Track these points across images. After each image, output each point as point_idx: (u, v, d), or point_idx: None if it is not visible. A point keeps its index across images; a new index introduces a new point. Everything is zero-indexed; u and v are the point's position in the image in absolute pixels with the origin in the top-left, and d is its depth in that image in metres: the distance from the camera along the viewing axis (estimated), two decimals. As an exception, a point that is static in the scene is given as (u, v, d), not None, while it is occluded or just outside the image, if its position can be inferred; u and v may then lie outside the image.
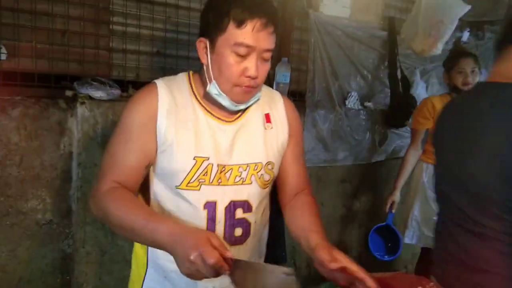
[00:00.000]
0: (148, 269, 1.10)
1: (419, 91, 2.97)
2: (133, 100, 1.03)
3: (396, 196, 2.51)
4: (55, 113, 1.78)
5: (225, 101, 1.01)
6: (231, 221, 1.06)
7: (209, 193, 1.03)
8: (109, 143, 1.03)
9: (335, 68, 2.62)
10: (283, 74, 2.26)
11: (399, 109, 2.82)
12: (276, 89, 1.80)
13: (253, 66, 0.96)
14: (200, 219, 1.03)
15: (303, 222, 1.07)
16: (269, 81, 2.23)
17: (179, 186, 1.02)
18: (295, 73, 2.47)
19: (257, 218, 1.11)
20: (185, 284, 1.03)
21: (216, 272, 0.80)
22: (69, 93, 1.81)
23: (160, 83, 1.03)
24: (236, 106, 1.02)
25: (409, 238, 2.56)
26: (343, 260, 0.90)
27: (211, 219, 1.04)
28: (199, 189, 1.02)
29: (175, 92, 1.03)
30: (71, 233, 1.88)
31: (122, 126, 1.02)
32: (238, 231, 1.07)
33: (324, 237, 1.00)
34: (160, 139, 1.00)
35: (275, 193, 1.19)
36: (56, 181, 1.81)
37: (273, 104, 1.14)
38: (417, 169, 2.54)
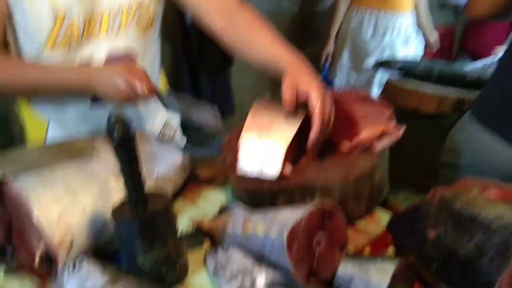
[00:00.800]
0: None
1: None
2: None
3: (331, 46, 2.59)
4: None
5: None
6: None
7: (80, 52, 0.94)
8: None
9: None
10: None
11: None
12: None
13: None
14: None
15: (254, 45, 0.91)
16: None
17: (43, 50, 0.90)
18: None
19: (151, 65, 1.05)
20: None
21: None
22: None
23: None
24: None
25: (338, 83, 2.64)
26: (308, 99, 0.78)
27: None
28: (67, 50, 0.92)
29: None
30: None
31: None
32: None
33: (287, 61, 0.85)
34: None
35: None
36: None
37: None
38: (347, 15, 2.56)
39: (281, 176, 0.77)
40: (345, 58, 2.66)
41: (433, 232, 0.65)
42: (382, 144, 0.86)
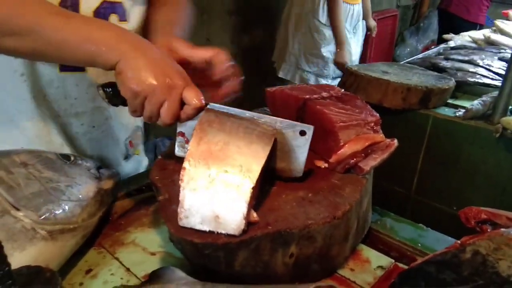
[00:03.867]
0: None
1: None
2: None
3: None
4: None
5: None
6: None
7: None
8: None
9: None
10: None
11: None
12: None
13: None
14: None
15: (154, 18, 0.83)
16: None
17: None
18: None
19: (138, 29, 0.84)
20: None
21: (173, 119, 0.59)
22: None
23: None
24: None
25: (284, 73, 2.49)
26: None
27: None
28: None
29: None
30: None
31: None
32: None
33: (166, 33, 0.77)
34: None
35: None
36: None
37: None
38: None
39: (246, 228, 0.52)
40: (295, 45, 2.46)
41: (470, 307, 0.44)
42: (373, 163, 0.65)
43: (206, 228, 0.51)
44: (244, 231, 0.51)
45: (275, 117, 0.61)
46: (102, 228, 0.71)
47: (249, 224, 0.52)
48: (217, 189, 0.51)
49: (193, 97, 0.58)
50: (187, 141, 0.64)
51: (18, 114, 0.78)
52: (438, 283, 0.48)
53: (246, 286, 0.44)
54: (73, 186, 0.63)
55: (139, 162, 1.00)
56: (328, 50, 2.41)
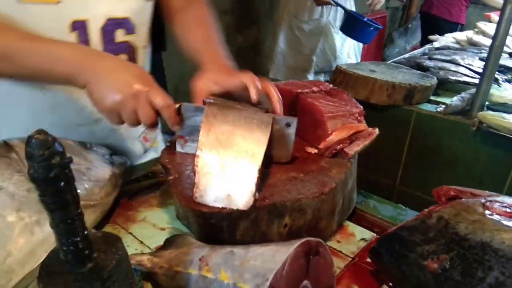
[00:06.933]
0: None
1: None
2: None
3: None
4: None
5: None
6: (111, 46, 0.81)
7: (74, 8, 0.74)
8: None
9: None
10: None
11: None
12: None
13: None
14: None
15: (191, 38, 0.89)
16: None
17: None
18: None
19: (143, 40, 0.88)
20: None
21: (152, 121, 0.63)
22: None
23: None
24: None
25: (273, 73, 2.55)
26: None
27: (84, 44, 0.77)
28: (57, 2, 0.71)
29: None
30: None
31: None
32: (122, 58, 0.84)
33: (209, 56, 0.81)
34: None
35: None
36: None
37: None
38: None
39: (254, 204, 0.60)
40: (281, 44, 2.54)
41: (434, 263, 0.53)
42: (357, 149, 0.74)
43: (219, 205, 0.59)
44: (250, 207, 0.59)
45: (262, 113, 0.70)
46: (115, 209, 0.79)
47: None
48: (227, 172, 0.60)
49: (158, 100, 0.62)
50: (186, 141, 0.72)
51: (38, 125, 0.84)
52: (409, 244, 0.57)
53: (246, 246, 0.53)
54: (92, 169, 0.71)
55: (159, 152, 1.07)
56: (309, 48, 2.48)
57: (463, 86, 1.61)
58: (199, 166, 0.60)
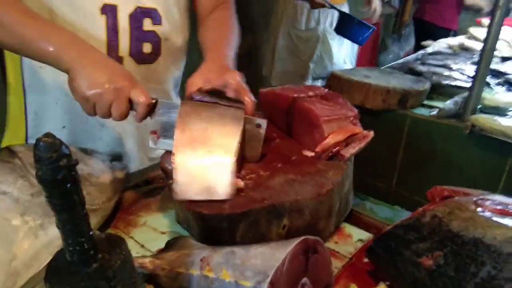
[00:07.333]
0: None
1: None
2: None
3: None
4: None
5: None
6: (138, 33, 0.86)
7: None
8: None
9: None
10: None
11: None
12: None
13: None
14: (97, 28, 0.82)
15: (205, 37, 0.92)
16: None
17: None
18: None
19: (169, 34, 0.93)
20: None
21: (123, 117, 0.68)
22: None
23: None
24: None
25: (270, 79, 2.52)
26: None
27: (112, 29, 0.83)
28: None
29: None
30: None
31: None
32: (147, 47, 0.89)
33: (212, 55, 0.84)
34: None
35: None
36: None
37: None
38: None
39: (237, 191, 0.63)
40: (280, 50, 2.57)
41: (428, 260, 0.55)
42: (353, 151, 0.75)
43: (200, 197, 0.62)
44: (232, 195, 0.62)
45: (234, 109, 0.72)
46: (115, 214, 0.80)
47: (240, 191, 0.64)
48: (204, 167, 0.62)
49: (139, 96, 0.66)
50: (158, 137, 0.74)
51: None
52: (404, 242, 0.58)
53: (246, 246, 0.54)
54: (93, 174, 0.73)
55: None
56: (306, 55, 2.51)
57: (456, 90, 1.64)
58: (176, 163, 0.62)
